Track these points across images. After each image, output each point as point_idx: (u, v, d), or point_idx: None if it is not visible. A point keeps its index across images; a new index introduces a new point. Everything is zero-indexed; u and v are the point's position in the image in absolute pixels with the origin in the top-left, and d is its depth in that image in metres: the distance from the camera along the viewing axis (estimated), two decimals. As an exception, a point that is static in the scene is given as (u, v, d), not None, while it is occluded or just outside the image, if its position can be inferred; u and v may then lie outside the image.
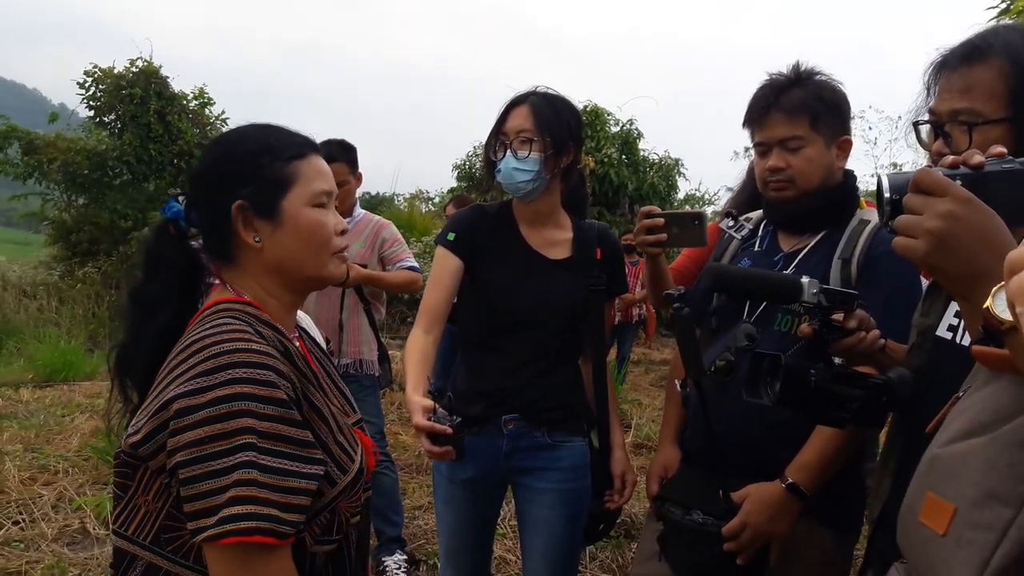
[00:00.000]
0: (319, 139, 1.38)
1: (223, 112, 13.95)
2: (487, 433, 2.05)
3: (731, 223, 2.01)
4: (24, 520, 3.80)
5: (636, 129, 13.45)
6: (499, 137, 2.01)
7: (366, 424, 1.49)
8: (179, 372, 1.08)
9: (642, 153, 13.51)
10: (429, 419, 1.65)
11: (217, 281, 1.30)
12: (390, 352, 3.79)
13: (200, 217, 1.26)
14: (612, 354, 8.40)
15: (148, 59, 12.81)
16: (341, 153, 3.41)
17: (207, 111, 13.74)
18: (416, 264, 3.63)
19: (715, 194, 15.05)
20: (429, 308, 2.02)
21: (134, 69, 12.68)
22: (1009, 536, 0.73)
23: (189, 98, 13.39)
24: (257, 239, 1.22)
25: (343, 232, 1.30)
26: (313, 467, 1.10)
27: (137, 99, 12.27)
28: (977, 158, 0.90)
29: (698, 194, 15.70)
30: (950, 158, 0.91)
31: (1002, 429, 0.77)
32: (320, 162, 1.29)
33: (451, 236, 2.07)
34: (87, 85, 12.69)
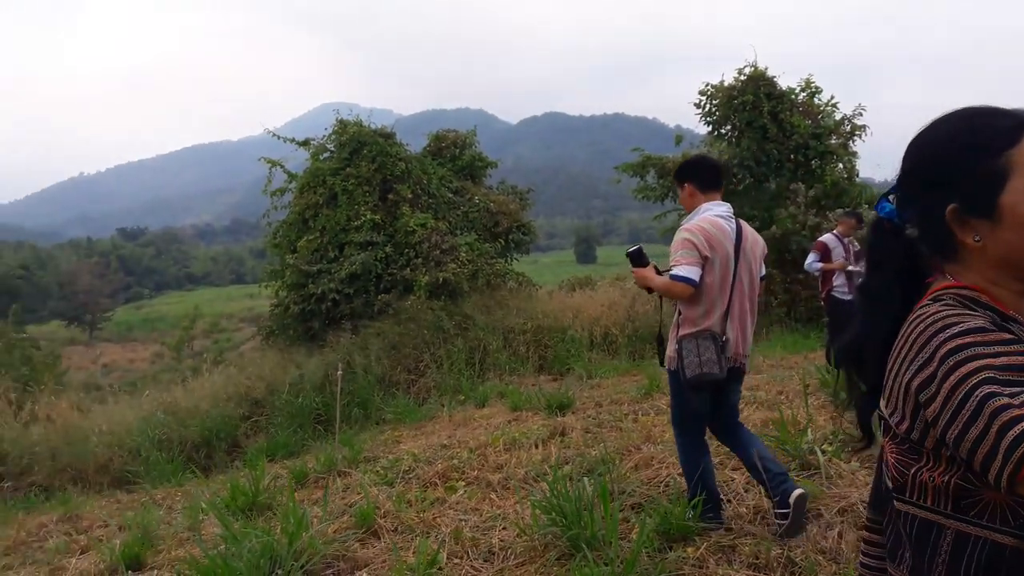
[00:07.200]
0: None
1: (832, 97, 13.81)
2: None
3: None
4: (722, 499, 4.25)
5: None
6: None
7: None
8: (903, 356, 1.15)
9: None
10: None
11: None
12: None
13: (912, 216, 1.27)
14: None
15: (754, 64, 13.40)
16: None
17: (815, 100, 13.75)
18: (680, 272, 3.62)
19: None
20: None
21: (742, 77, 13.41)
22: None
23: (796, 91, 13.57)
24: (977, 239, 1.18)
25: None
26: None
27: (749, 105, 12.93)
28: None
29: None
30: None
31: None
32: None
33: None
34: (702, 103, 13.87)
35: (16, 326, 34.92)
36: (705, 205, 3.87)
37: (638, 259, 3.81)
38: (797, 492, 3.60)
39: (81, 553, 5.03)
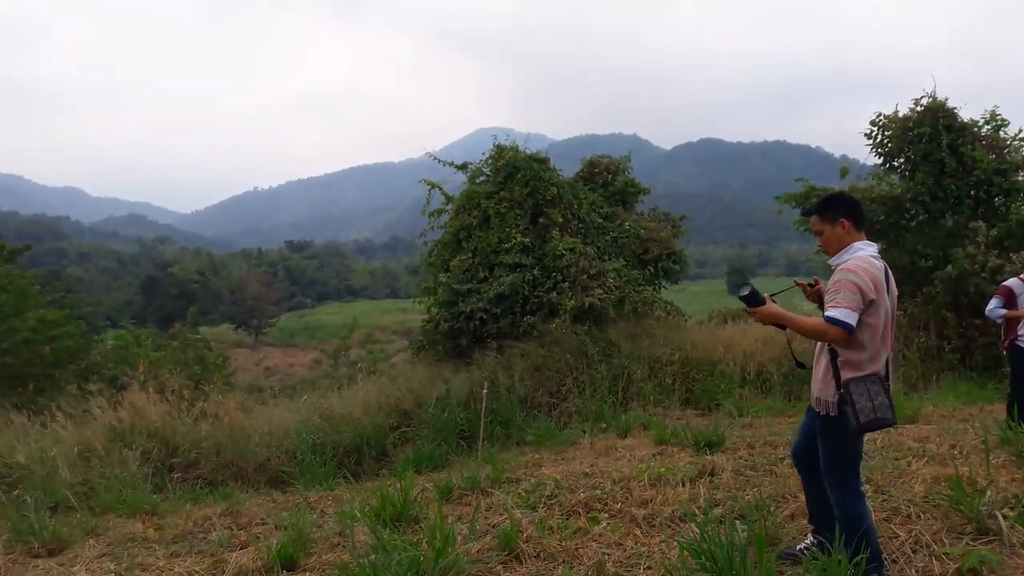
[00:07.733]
0: None
1: (1020, 131, 12.75)
2: None
3: None
4: (885, 559, 3.95)
5: None
6: None
7: None
8: None
9: None
10: None
11: None
12: None
13: None
14: None
15: (932, 95, 12.60)
16: None
17: (1000, 133, 12.75)
18: (836, 315, 3.46)
19: None
20: None
21: (919, 108, 12.63)
22: None
23: (980, 124, 12.64)
24: None
25: None
26: None
27: (926, 137, 12.15)
28: None
29: None
30: None
31: None
32: None
33: None
34: (874, 134, 13.17)
35: (191, 327, 37.92)
36: (858, 244, 3.69)
37: (753, 299, 3.65)
38: None
39: (241, 548, 5.31)
